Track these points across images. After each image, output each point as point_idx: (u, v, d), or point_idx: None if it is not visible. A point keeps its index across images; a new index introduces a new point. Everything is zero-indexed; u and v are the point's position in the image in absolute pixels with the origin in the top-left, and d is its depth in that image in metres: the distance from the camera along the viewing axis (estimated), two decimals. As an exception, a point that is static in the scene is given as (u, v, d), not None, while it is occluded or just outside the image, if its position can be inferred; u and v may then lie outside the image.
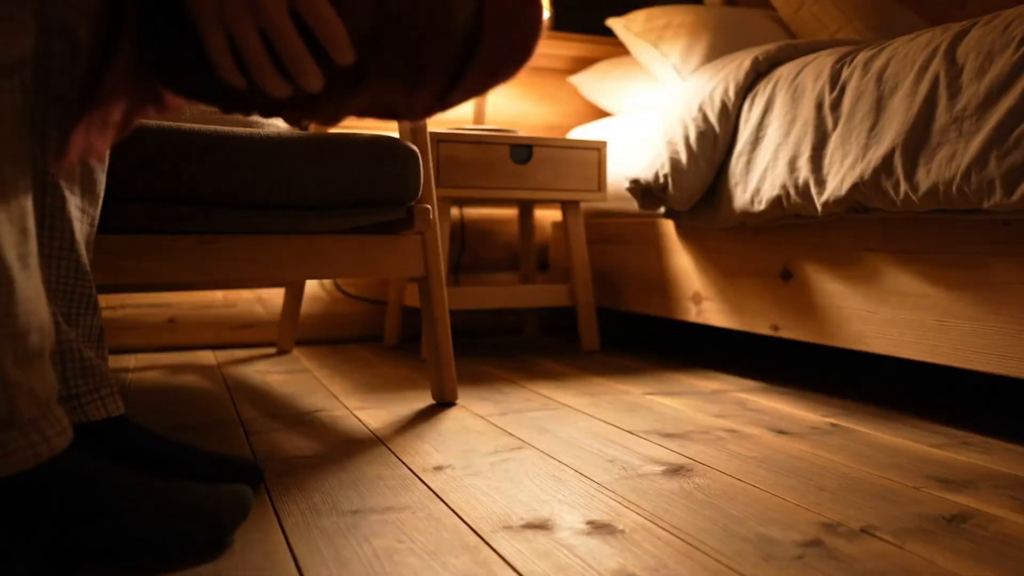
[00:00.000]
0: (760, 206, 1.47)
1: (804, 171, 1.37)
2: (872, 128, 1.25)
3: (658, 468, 1.00)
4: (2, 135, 0.62)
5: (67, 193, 0.82)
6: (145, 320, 2.00)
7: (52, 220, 0.81)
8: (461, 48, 0.68)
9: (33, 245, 0.67)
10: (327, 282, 2.19)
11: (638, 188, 1.75)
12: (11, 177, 0.64)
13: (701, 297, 1.74)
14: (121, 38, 0.63)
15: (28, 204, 0.66)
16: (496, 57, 0.70)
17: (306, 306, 2.15)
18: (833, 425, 1.23)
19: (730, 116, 1.56)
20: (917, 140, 1.17)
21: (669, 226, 1.84)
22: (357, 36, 0.64)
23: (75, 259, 0.84)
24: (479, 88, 0.72)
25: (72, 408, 0.82)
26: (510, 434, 1.17)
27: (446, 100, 0.71)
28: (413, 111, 0.72)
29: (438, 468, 1.00)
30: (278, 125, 1.44)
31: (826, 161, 1.34)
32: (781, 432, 1.18)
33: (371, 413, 1.31)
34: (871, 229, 1.33)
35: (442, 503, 0.87)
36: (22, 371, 0.65)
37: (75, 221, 0.84)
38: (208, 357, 1.91)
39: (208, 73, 0.63)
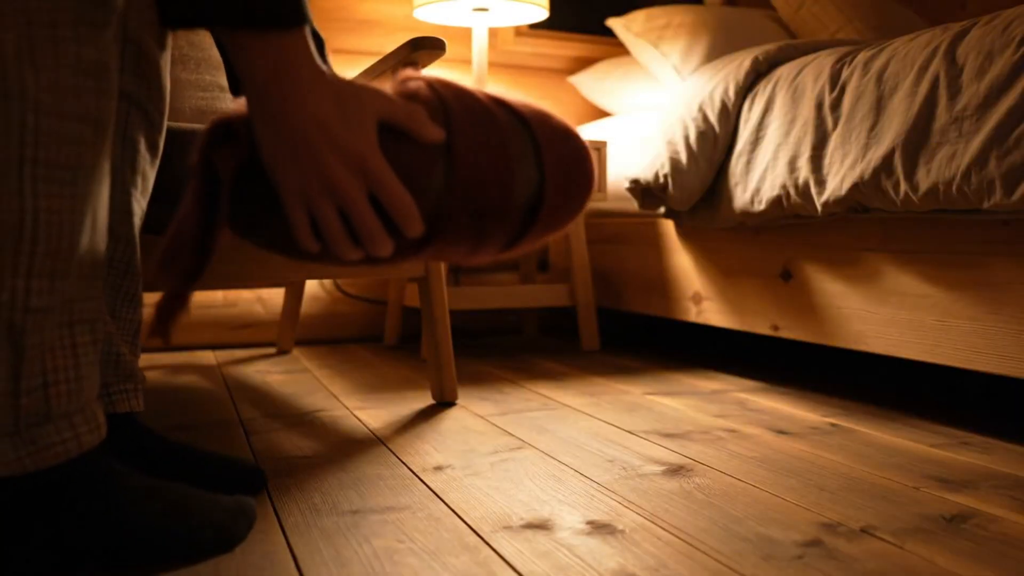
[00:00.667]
0: (760, 206, 1.47)
1: (804, 171, 1.37)
2: (872, 128, 1.25)
3: (658, 468, 1.00)
4: (86, 135, 0.64)
5: (131, 188, 0.85)
6: (145, 320, 2.01)
7: (116, 214, 0.83)
8: (523, 215, 0.75)
9: (103, 240, 0.70)
10: (327, 282, 2.19)
11: (638, 188, 1.75)
12: (93, 177, 0.66)
13: (701, 297, 1.74)
14: (220, 212, 0.69)
15: (104, 200, 0.69)
16: (555, 217, 0.78)
17: (306, 306, 2.15)
18: (833, 425, 1.23)
19: (730, 116, 1.56)
20: (917, 140, 1.17)
21: (669, 226, 1.84)
22: (426, 211, 0.71)
23: (131, 254, 0.86)
24: (537, 241, 0.80)
25: (99, 397, 0.82)
26: (510, 434, 1.17)
27: (506, 252, 0.80)
28: (473, 262, 0.79)
29: (438, 468, 1.00)
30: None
31: (826, 161, 1.34)
32: (781, 432, 1.18)
33: (371, 413, 1.31)
34: (871, 229, 1.33)
35: (442, 503, 0.87)
36: (69, 360, 0.67)
37: (135, 217, 0.86)
38: (208, 357, 1.91)
39: (285, 234, 0.70)
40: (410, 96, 0.72)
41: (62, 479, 0.68)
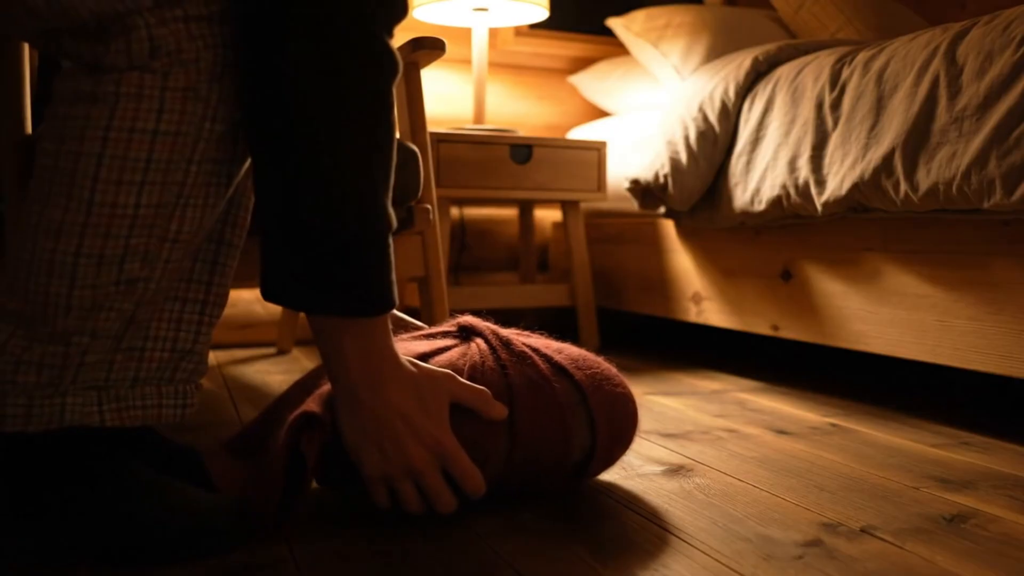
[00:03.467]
0: (760, 206, 1.47)
1: (804, 171, 1.37)
2: (872, 128, 1.25)
3: (658, 468, 1.00)
4: (239, 135, 0.72)
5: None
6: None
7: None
8: (574, 471, 0.86)
9: (239, 232, 0.78)
10: (327, 282, 2.18)
11: (638, 188, 1.75)
12: (239, 171, 0.73)
13: (701, 297, 1.74)
14: (304, 485, 0.78)
15: (240, 211, 0.78)
16: (600, 468, 0.89)
17: (306, 306, 2.15)
18: (833, 425, 1.23)
19: (730, 116, 1.56)
20: (917, 140, 1.17)
21: (669, 226, 1.84)
22: (488, 476, 0.80)
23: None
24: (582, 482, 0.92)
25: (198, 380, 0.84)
26: (510, 434, 1.17)
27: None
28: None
29: (438, 468, 1.00)
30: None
31: (826, 161, 1.34)
32: (781, 432, 1.18)
33: (371, 413, 1.31)
34: (871, 229, 1.33)
35: (442, 503, 0.87)
36: (170, 332, 0.74)
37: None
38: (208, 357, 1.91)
39: (362, 490, 0.79)
40: (477, 369, 0.83)
41: (83, 462, 0.69)
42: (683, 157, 1.61)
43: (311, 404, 0.77)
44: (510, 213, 2.38)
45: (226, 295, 0.78)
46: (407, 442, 0.74)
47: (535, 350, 0.88)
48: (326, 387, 0.80)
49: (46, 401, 0.68)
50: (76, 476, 0.70)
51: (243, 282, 1.23)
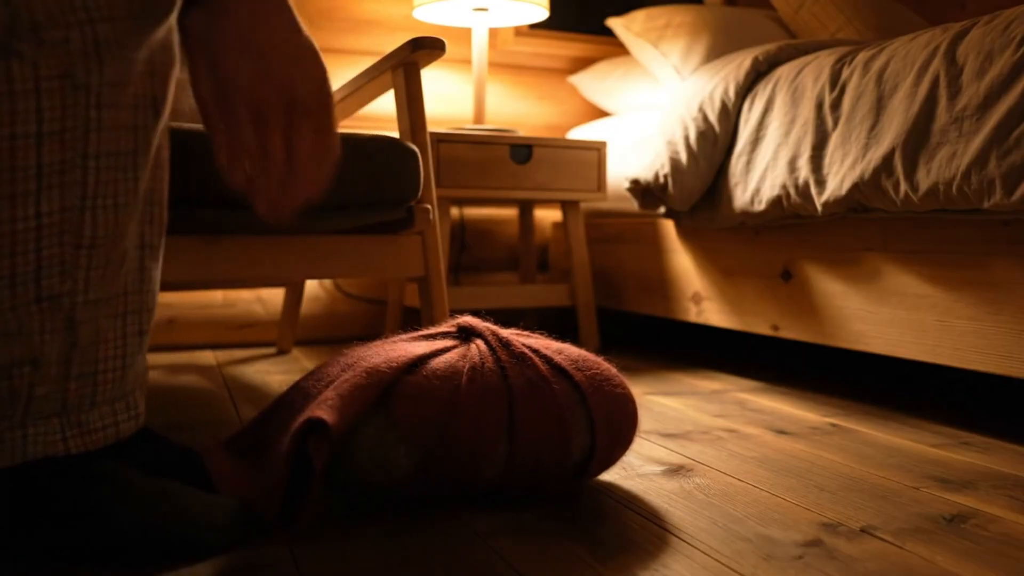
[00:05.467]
0: (760, 206, 1.47)
1: (804, 171, 1.37)
2: (872, 128, 1.25)
3: (658, 468, 1.00)
4: (144, 121, 0.67)
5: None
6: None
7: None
8: (574, 472, 0.86)
9: (158, 229, 0.73)
10: (327, 282, 2.19)
11: (638, 188, 1.75)
12: (147, 162, 0.69)
13: (701, 297, 1.74)
14: (310, 487, 0.76)
15: (155, 208, 0.72)
16: (601, 467, 0.89)
17: (306, 306, 2.16)
18: (833, 425, 1.23)
19: (730, 116, 1.56)
20: (917, 140, 1.17)
21: (669, 226, 1.84)
22: (488, 480, 0.82)
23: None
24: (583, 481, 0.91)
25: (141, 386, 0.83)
26: (510, 434, 1.17)
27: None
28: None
29: (438, 468, 1.00)
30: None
31: (826, 161, 1.34)
32: (781, 432, 1.18)
33: (371, 413, 1.31)
34: (871, 229, 1.33)
35: (443, 504, 0.87)
36: (119, 350, 0.70)
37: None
38: (208, 357, 1.91)
39: (356, 481, 0.80)
40: (476, 370, 0.82)
41: (66, 475, 0.68)
42: (683, 157, 1.61)
43: (318, 411, 0.77)
44: (510, 213, 2.38)
45: (156, 294, 0.75)
46: (291, 65, 0.67)
47: (535, 351, 0.88)
48: (331, 393, 0.80)
49: (6, 435, 0.65)
50: (73, 480, 0.69)
51: (242, 282, 1.23)
